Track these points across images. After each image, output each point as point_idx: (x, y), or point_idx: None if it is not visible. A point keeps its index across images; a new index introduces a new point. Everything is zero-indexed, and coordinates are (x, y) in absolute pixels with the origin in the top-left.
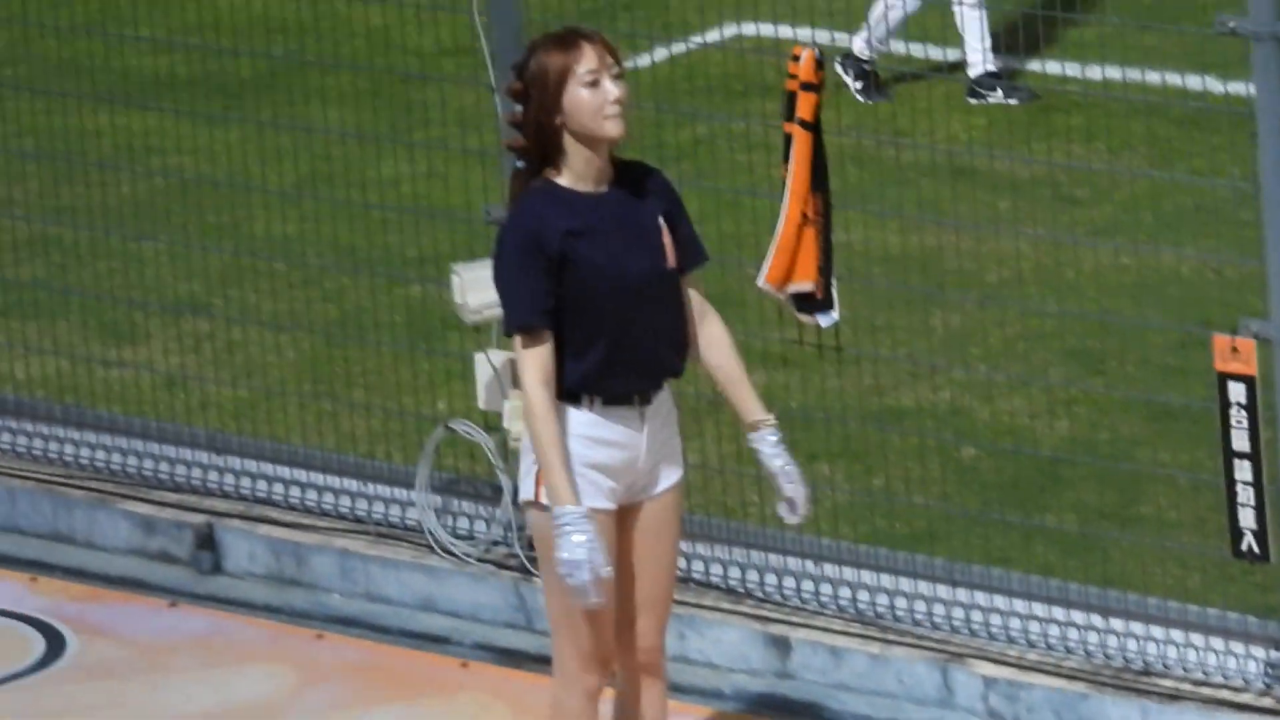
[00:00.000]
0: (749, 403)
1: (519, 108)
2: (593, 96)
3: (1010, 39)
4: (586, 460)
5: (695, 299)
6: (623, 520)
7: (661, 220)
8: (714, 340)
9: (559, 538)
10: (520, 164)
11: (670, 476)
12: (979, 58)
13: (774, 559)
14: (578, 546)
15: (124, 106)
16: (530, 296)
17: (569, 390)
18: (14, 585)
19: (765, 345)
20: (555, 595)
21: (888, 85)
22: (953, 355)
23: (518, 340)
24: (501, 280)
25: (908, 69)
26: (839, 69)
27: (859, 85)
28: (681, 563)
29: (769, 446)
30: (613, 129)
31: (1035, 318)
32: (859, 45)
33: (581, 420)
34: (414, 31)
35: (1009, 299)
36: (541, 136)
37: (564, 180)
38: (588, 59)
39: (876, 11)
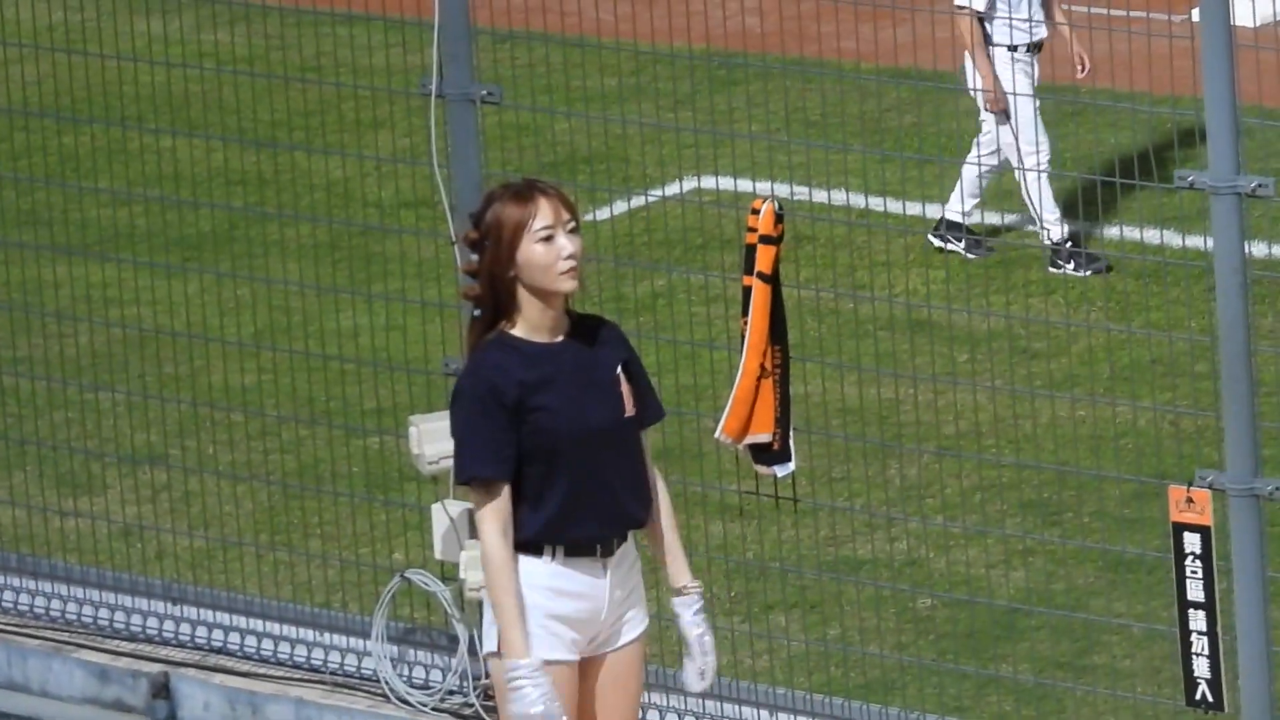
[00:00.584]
0: (678, 565)
1: (475, 256)
2: (546, 252)
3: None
4: (548, 612)
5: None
6: (585, 672)
7: (620, 370)
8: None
9: (512, 691)
10: (476, 313)
11: (634, 629)
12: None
13: (729, 709)
14: (532, 702)
15: (82, 258)
16: (485, 448)
17: (530, 540)
18: None
19: (722, 496)
20: None
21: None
22: (909, 506)
23: (472, 491)
24: (458, 430)
25: (865, 223)
26: (939, 242)
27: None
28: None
29: (690, 614)
30: (565, 284)
31: (992, 469)
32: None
33: (543, 571)
34: (374, 184)
35: (966, 451)
36: (495, 288)
37: (518, 331)
38: (543, 214)
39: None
